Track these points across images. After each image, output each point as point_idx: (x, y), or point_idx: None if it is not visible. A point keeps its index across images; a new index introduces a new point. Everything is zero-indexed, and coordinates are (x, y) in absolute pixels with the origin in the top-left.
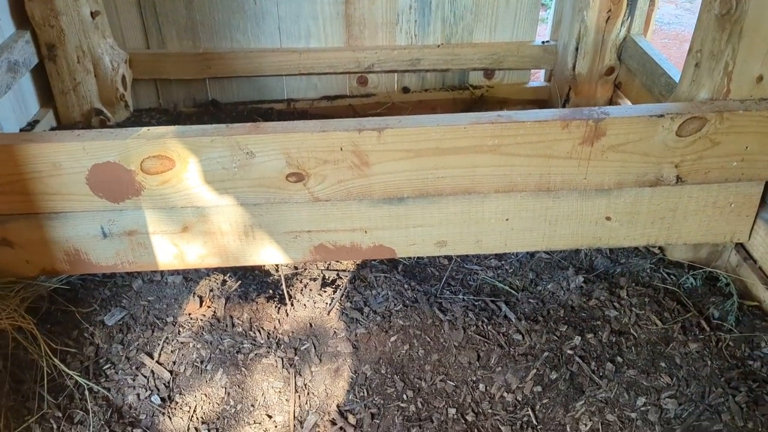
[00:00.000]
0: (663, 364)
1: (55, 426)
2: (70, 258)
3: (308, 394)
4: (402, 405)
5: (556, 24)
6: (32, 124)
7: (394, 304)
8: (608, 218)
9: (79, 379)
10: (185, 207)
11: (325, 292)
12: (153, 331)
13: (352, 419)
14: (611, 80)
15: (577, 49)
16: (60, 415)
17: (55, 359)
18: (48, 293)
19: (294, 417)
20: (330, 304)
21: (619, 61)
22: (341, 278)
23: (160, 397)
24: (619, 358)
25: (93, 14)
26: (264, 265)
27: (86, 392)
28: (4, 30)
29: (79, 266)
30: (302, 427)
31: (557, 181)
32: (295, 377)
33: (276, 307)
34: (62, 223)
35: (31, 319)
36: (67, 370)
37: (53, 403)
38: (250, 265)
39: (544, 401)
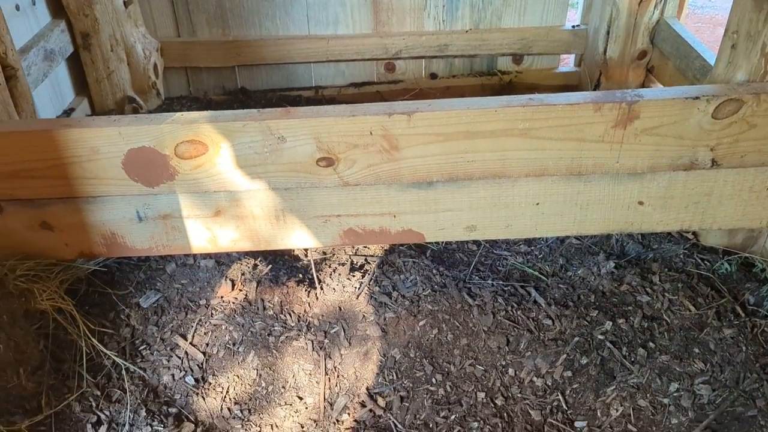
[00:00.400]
0: (696, 350)
1: (94, 404)
2: (106, 241)
3: (338, 376)
4: (431, 388)
5: (587, 8)
6: (68, 112)
7: (423, 289)
8: (641, 203)
9: (117, 359)
10: (218, 191)
11: (353, 276)
12: (186, 314)
13: (381, 402)
14: (643, 64)
15: (608, 32)
16: (98, 393)
17: (93, 339)
18: (86, 275)
19: (324, 399)
20: (359, 289)
21: (651, 45)
22: (369, 263)
23: (194, 378)
24: (651, 344)
25: (126, 3)
26: (294, 250)
27: (123, 372)
28: (40, 19)
29: (116, 249)
30: (332, 409)
31: (589, 165)
32: (325, 360)
33: (306, 290)
34: (99, 207)
35: (71, 301)
36: (105, 351)
37: (92, 382)
38: (281, 249)
39: (575, 386)
